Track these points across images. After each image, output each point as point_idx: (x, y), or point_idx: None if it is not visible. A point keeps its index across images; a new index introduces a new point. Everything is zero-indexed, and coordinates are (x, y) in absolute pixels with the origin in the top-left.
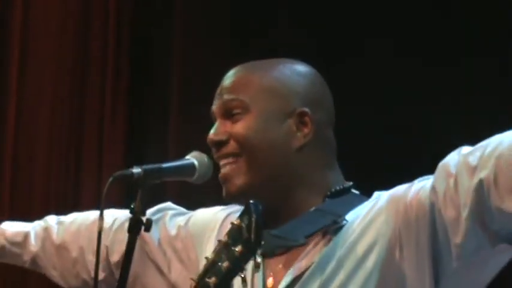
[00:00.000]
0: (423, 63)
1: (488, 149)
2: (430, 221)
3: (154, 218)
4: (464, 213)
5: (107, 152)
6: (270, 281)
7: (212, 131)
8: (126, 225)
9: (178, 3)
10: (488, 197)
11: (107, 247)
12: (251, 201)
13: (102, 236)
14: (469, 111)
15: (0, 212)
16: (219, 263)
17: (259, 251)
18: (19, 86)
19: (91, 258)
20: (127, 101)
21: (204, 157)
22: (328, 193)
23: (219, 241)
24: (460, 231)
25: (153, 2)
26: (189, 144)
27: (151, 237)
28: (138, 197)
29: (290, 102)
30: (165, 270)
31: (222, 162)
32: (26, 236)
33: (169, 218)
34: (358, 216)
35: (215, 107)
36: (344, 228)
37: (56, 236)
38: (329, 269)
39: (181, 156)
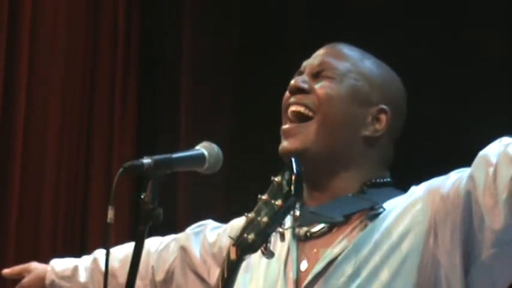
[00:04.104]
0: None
1: None
2: (464, 210)
3: (196, 230)
4: (501, 201)
5: (117, 143)
6: (303, 264)
7: (298, 79)
8: (172, 245)
9: None
10: None
11: (152, 267)
12: (293, 158)
13: (149, 258)
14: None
15: (9, 213)
16: (258, 218)
17: (297, 207)
18: (28, 81)
19: (138, 283)
20: (137, 90)
21: (214, 147)
22: (368, 183)
23: (259, 198)
24: (498, 218)
25: None
26: (200, 132)
27: (193, 249)
28: (148, 187)
29: (378, 95)
30: (205, 276)
31: (291, 109)
32: (75, 269)
33: (210, 229)
34: (395, 205)
35: (310, 62)
36: (381, 216)
37: (104, 265)
38: (364, 252)
39: (193, 145)
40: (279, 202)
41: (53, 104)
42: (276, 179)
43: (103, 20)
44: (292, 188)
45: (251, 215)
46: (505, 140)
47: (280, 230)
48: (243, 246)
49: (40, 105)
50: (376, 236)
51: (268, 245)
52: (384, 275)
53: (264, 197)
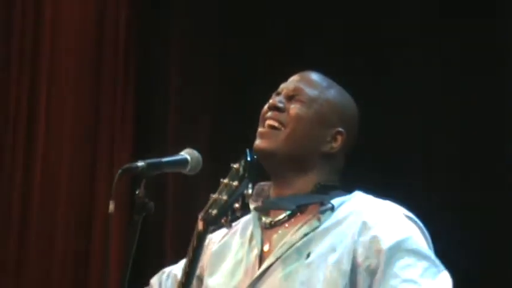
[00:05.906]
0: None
1: None
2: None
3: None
4: None
5: (117, 151)
6: (266, 247)
7: (276, 99)
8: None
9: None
10: None
11: None
12: (247, 149)
13: None
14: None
15: (29, 208)
16: (220, 197)
17: (250, 187)
18: (48, 97)
19: None
20: (135, 106)
21: (195, 153)
22: (321, 184)
23: (221, 182)
24: None
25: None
26: (185, 141)
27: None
28: (142, 185)
29: (338, 119)
30: None
31: (267, 122)
32: None
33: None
34: (341, 203)
35: (286, 86)
36: (333, 214)
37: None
38: (317, 240)
39: (179, 150)
40: (235, 183)
41: (67, 114)
42: (235, 166)
43: (107, 36)
44: (246, 172)
45: (215, 195)
46: None
47: (237, 205)
48: (208, 220)
49: (57, 120)
50: (325, 226)
51: (228, 217)
52: (332, 257)
53: (225, 180)
